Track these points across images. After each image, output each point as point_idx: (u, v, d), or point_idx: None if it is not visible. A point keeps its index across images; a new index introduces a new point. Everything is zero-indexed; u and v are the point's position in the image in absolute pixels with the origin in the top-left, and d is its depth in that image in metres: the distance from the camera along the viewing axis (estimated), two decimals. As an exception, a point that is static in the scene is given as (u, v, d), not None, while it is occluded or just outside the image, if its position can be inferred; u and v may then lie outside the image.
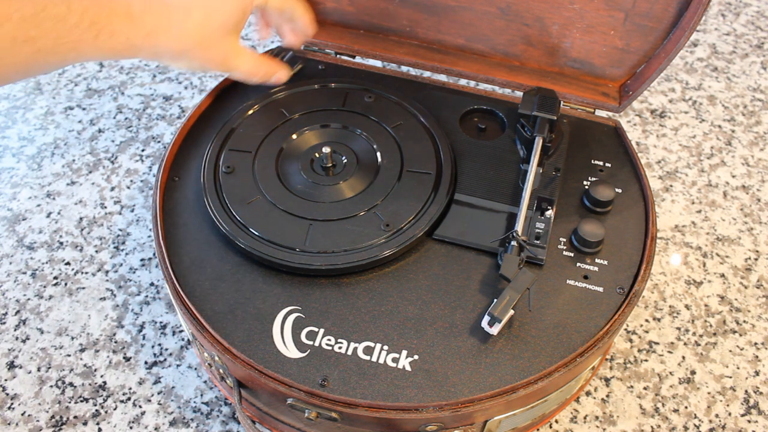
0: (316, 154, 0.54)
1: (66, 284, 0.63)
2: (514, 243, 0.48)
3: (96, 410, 0.55)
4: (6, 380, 0.57)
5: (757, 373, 0.58)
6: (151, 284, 0.63)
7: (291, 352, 0.45)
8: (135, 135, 0.76)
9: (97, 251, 0.65)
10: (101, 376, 0.57)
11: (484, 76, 0.60)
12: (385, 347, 0.45)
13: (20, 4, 0.38)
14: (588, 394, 0.57)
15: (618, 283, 0.49)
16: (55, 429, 0.54)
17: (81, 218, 0.68)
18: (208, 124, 0.59)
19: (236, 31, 0.51)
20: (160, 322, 0.60)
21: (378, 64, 0.72)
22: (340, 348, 0.45)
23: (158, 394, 0.56)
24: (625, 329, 0.61)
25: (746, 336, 0.61)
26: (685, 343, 0.60)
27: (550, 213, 0.51)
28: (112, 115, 0.78)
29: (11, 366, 0.58)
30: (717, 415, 0.56)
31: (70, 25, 0.41)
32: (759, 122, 0.79)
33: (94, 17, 0.42)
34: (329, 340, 0.46)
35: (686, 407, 0.56)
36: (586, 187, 0.54)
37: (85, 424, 0.54)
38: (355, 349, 0.45)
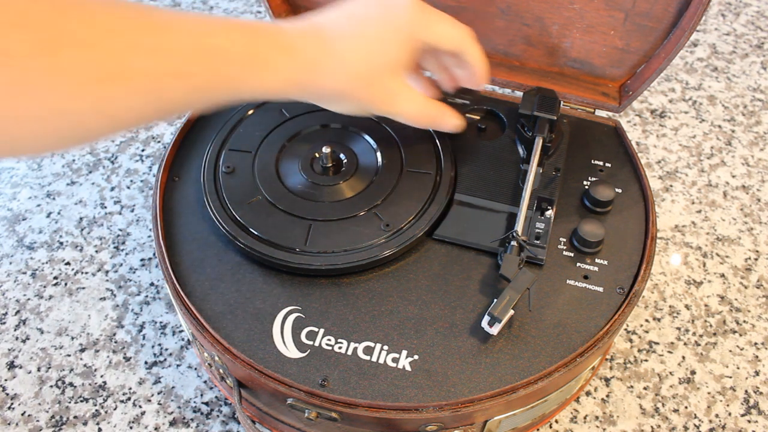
0: (316, 154, 0.54)
1: (66, 284, 0.63)
2: (514, 243, 0.48)
3: (96, 410, 0.55)
4: (6, 380, 0.57)
5: (757, 373, 0.58)
6: (151, 284, 0.63)
7: (291, 352, 0.45)
8: (135, 135, 0.76)
9: (97, 251, 0.65)
10: (101, 376, 0.57)
11: (484, 76, 0.60)
12: (385, 347, 0.45)
13: (180, 36, 0.36)
14: (588, 394, 0.57)
15: (618, 283, 0.49)
16: (55, 429, 0.54)
17: (81, 218, 0.68)
18: (208, 124, 0.59)
19: (402, 70, 0.46)
20: (160, 322, 0.60)
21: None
22: (340, 348, 0.45)
23: (158, 394, 0.56)
24: (625, 329, 0.61)
25: (746, 336, 0.61)
26: (685, 343, 0.60)
27: (550, 213, 0.51)
28: (112, 115, 0.78)
29: (11, 366, 0.58)
30: (717, 415, 0.56)
31: (229, 59, 0.38)
32: (759, 122, 0.79)
33: (254, 50, 0.39)
34: (329, 340, 0.46)
35: (686, 407, 0.56)
36: (586, 187, 0.54)
37: (85, 424, 0.54)
38: (355, 349, 0.45)
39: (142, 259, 0.65)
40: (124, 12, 0.34)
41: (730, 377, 0.58)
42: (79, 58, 0.32)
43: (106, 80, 0.33)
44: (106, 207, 0.69)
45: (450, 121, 0.52)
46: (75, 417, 0.55)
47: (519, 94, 0.58)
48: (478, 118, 0.59)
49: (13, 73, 0.30)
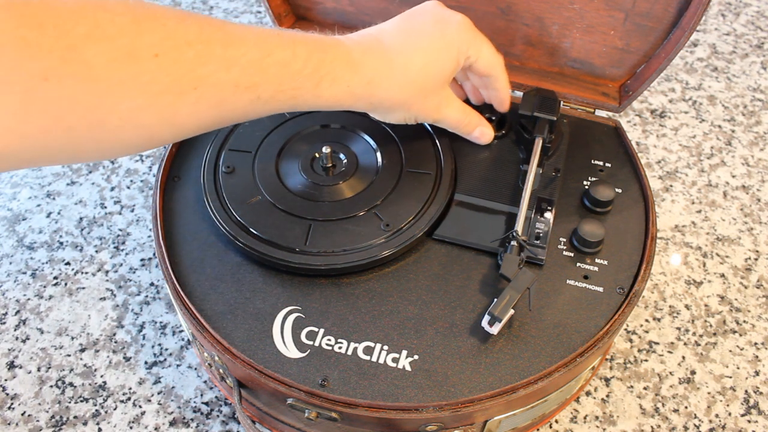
0: (316, 154, 0.54)
1: (66, 284, 0.63)
2: (514, 243, 0.48)
3: (96, 410, 0.55)
4: (6, 380, 0.57)
5: (757, 373, 0.58)
6: (151, 284, 0.63)
7: (291, 352, 0.45)
8: (135, 135, 0.76)
9: (97, 251, 0.65)
10: (101, 376, 0.57)
11: (484, 76, 0.60)
12: (385, 347, 0.45)
13: (247, 48, 0.37)
14: (588, 394, 0.57)
15: (618, 283, 0.49)
16: (55, 429, 0.54)
17: (81, 218, 0.68)
18: (208, 124, 0.59)
19: (449, 81, 0.50)
20: (160, 322, 0.60)
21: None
22: (340, 348, 0.45)
23: (158, 394, 0.56)
24: (625, 329, 0.61)
25: (746, 336, 0.61)
26: (685, 343, 0.60)
27: (550, 213, 0.51)
28: (112, 115, 0.78)
29: (11, 366, 0.58)
30: (717, 415, 0.56)
31: (293, 71, 0.39)
32: (759, 122, 0.79)
33: (318, 63, 0.40)
34: (329, 340, 0.46)
35: (686, 407, 0.56)
36: (586, 187, 0.54)
37: (85, 424, 0.54)
38: (355, 349, 0.45)
39: (142, 259, 0.65)
40: (196, 24, 0.35)
41: (730, 377, 0.58)
42: (154, 70, 0.33)
43: (178, 91, 0.34)
44: (106, 207, 0.69)
45: (485, 131, 0.55)
46: (75, 417, 0.55)
47: (519, 94, 0.58)
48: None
49: (90, 84, 0.31)
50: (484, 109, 0.58)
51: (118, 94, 0.32)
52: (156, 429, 0.54)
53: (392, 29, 0.47)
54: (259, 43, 0.38)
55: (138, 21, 0.33)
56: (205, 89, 0.36)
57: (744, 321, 0.62)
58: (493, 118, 0.58)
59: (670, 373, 0.58)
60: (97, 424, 0.54)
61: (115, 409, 0.55)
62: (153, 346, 0.59)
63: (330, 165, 0.53)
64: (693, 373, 0.58)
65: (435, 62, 0.47)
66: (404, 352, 0.45)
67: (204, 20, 0.36)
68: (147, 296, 0.62)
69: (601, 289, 0.48)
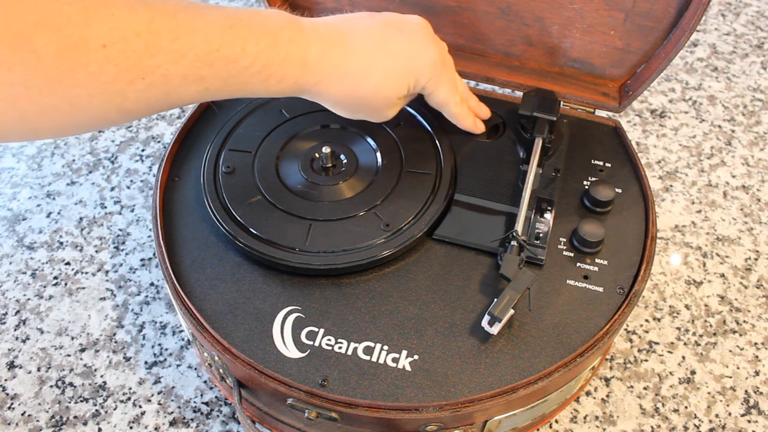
0: (316, 154, 0.54)
1: (66, 284, 0.63)
2: (514, 243, 0.48)
3: (96, 410, 0.55)
4: (6, 380, 0.57)
5: (757, 373, 0.58)
6: (151, 284, 0.63)
7: (291, 352, 0.45)
8: (135, 135, 0.76)
9: (97, 251, 0.65)
10: (101, 376, 0.57)
11: (484, 76, 0.60)
12: (385, 347, 0.45)
13: (196, 41, 0.37)
14: (588, 394, 0.57)
15: (618, 283, 0.49)
16: (55, 429, 0.54)
17: (81, 218, 0.68)
18: (208, 124, 0.59)
19: (403, 103, 0.50)
20: (160, 322, 0.60)
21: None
22: (340, 348, 0.45)
23: (158, 394, 0.56)
24: (625, 329, 0.61)
25: (746, 336, 0.61)
26: (685, 343, 0.60)
27: (550, 213, 0.51)
28: (112, 115, 0.78)
29: (11, 366, 0.58)
30: (717, 415, 0.56)
31: (241, 68, 0.39)
32: (759, 122, 0.79)
33: (267, 62, 0.40)
34: (329, 340, 0.46)
35: (686, 407, 0.56)
36: (586, 187, 0.54)
37: (85, 424, 0.54)
38: (355, 349, 0.45)
39: (142, 259, 0.65)
40: (147, 14, 0.35)
41: (730, 377, 0.58)
42: (102, 60, 0.33)
43: (126, 80, 0.35)
44: (106, 207, 0.69)
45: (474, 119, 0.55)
46: (75, 417, 0.55)
47: (519, 94, 0.58)
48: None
49: (39, 72, 0.32)
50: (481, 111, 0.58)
51: (66, 82, 0.33)
52: (156, 429, 0.54)
53: (365, 32, 0.46)
54: (209, 37, 0.38)
55: (87, 10, 0.33)
56: (153, 79, 0.36)
57: (744, 321, 0.62)
58: (488, 123, 0.58)
59: (670, 373, 0.58)
60: (97, 424, 0.54)
61: (115, 409, 0.55)
62: (153, 346, 0.59)
63: (330, 165, 0.53)
64: (693, 373, 0.58)
65: (388, 85, 0.46)
66: (404, 352, 0.45)
67: (157, 8, 0.36)
68: (147, 296, 0.62)
69: (601, 289, 0.48)
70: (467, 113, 0.55)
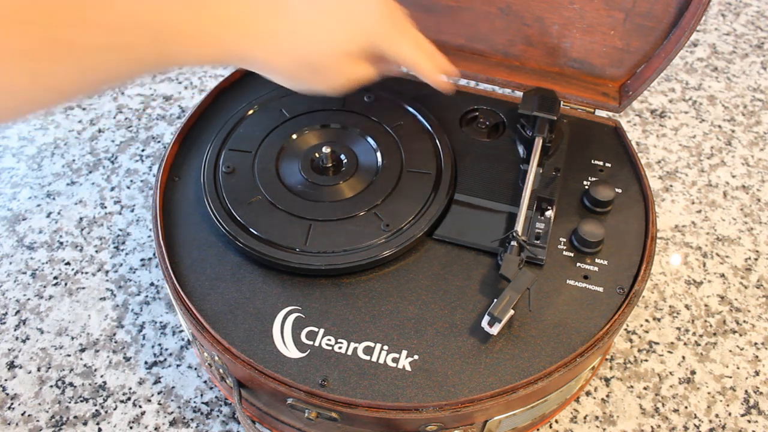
0: (316, 154, 0.54)
1: (66, 284, 0.63)
2: (514, 243, 0.48)
3: (96, 410, 0.55)
4: (6, 380, 0.57)
5: (757, 373, 0.58)
6: (151, 284, 0.63)
7: (291, 352, 0.45)
8: (135, 135, 0.76)
9: (97, 251, 0.65)
10: (101, 376, 0.57)
11: (484, 76, 0.60)
12: (385, 347, 0.45)
13: (122, 10, 0.35)
14: (588, 394, 0.57)
15: (618, 283, 0.49)
16: (55, 429, 0.54)
17: (81, 218, 0.68)
18: (208, 124, 0.59)
19: (352, 61, 0.45)
20: (160, 322, 0.60)
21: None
22: (340, 348, 0.45)
23: (158, 394, 0.56)
24: (625, 329, 0.61)
25: (746, 336, 0.61)
26: (685, 343, 0.60)
27: (550, 213, 0.51)
28: (112, 115, 0.78)
29: (11, 366, 0.58)
30: (717, 415, 0.56)
31: (171, 35, 0.37)
32: (759, 122, 0.79)
33: (197, 25, 0.38)
34: (329, 340, 0.46)
35: (686, 407, 0.56)
36: (586, 187, 0.54)
37: (85, 424, 0.54)
38: (355, 349, 0.45)
39: (142, 259, 0.65)
40: None
41: (730, 377, 0.58)
42: (19, 35, 0.32)
43: (45, 56, 0.33)
44: (106, 207, 0.69)
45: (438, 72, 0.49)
46: (75, 417, 0.55)
47: (519, 94, 0.58)
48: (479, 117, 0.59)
49: None
50: (480, 111, 0.58)
51: None
52: (156, 429, 0.54)
53: None
54: (134, 5, 0.36)
55: None
56: (76, 54, 0.34)
57: (744, 321, 0.62)
58: (488, 123, 0.58)
59: (670, 373, 0.58)
60: (97, 424, 0.54)
61: (115, 409, 0.55)
62: (153, 346, 0.59)
63: (330, 165, 0.53)
64: (693, 373, 0.58)
65: (332, 43, 0.43)
66: (404, 352, 0.45)
67: None
68: (147, 296, 0.62)
69: (601, 289, 0.48)
70: (436, 71, 0.49)
